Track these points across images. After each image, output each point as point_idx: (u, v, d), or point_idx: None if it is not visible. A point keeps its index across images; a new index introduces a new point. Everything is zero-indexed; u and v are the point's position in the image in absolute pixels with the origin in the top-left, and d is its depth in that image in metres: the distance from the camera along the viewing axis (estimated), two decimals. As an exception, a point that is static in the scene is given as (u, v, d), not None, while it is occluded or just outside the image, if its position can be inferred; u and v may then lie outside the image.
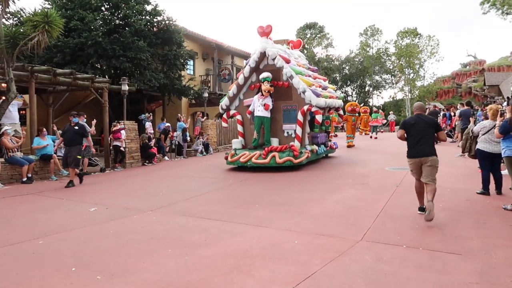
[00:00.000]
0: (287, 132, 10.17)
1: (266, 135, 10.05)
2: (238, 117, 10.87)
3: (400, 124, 5.46)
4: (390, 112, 31.13)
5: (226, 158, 10.25)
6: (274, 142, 10.07)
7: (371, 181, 7.66)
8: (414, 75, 44.39)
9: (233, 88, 10.87)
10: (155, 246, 4.12)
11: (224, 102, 11.03)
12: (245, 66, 10.78)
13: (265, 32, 10.39)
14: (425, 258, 3.57)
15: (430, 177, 4.99)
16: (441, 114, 17.99)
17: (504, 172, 6.31)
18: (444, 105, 27.56)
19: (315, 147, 10.49)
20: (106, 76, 14.76)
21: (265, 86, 9.73)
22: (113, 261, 3.71)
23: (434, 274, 3.22)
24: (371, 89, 51.36)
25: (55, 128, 11.58)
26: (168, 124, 15.80)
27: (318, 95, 9.69)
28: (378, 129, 21.67)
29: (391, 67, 48.64)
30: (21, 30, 9.42)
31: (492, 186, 6.20)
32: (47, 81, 10.99)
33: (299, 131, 9.93)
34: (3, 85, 10.09)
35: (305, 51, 48.49)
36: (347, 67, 51.33)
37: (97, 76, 12.76)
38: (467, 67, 46.77)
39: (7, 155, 8.89)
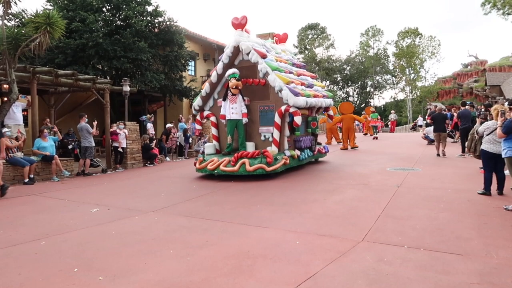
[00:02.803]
0: (264, 136, 9.24)
1: (240, 139, 9.09)
2: (212, 118, 9.82)
3: (431, 116, 12.12)
4: (391, 112, 31.09)
5: (195, 164, 9.33)
6: (250, 146, 9.09)
7: (372, 182, 7.66)
8: (415, 75, 44.38)
9: (205, 87, 9.84)
10: (157, 246, 4.14)
11: (197, 102, 9.98)
12: (218, 62, 9.80)
13: (240, 23, 9.34)
14: (426, 259, 3.57)
15: (443, 140, 11.46)
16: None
17: (507, 172, 6.32)
18: (446, 106, 27.52)
19: (296, 152, 9.37)
20: (107, 77, 14.83)
21: (232, 82, 8.81)
22: (115, 261, 3.72)
23: (435, 274, 3.22)
24: (372, 89, 51.35)
25: (56, 129, 11.62)
26: (170, 125, 15.84)
27: (296, 94, 8.69)
28: (376, 130, 21.84)
29: (391, 68, 48.65)
30: (23, 32, 9.47)
31: (493, 186, 6.20)
32: (49, 82, 11.04)
33: (276, 134, 8.94)
34: (5, 86, 10.14)
35: (307, 52, 48.52)
36: (348, 68, 51.33)
37: (98, 77, 12.80)
38: (469, 67, 46.71)
39: (7, 156, 8.90)
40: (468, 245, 3.92)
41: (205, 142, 15.49)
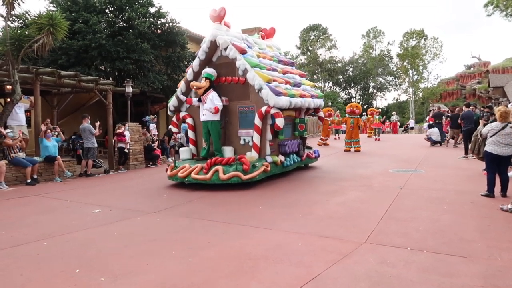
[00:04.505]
0: (244, 140, 8.42)
1: (215, 143, 8.26)
2: (189, 120, 8.96)
3: (450, 116, 14.80)
4: (393, 113, 31.06)
5: (167, 171, 8.52)
6: (228, 151, 8.29)
7: (375, 183, 7.64)
8: (418, 76, 44.36)
9: (181, 86, 8.96)
10: (159, 247, 4.13)
11: (172, 102, 9.10)
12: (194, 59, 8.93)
13: (219, 16, 8.43)
14: (429, 261, 3.55)
15: (456, 135, 14.35)
16: (445, 115, 17.93)
17: (511, 174, 6.29)
18: (449, 107, 27.45)
19: (279, 158, 8.47)
20: (110, 78, 14.86)
21: (192, 82, 8.23)
22: (117, 262, 3.72)
23: (438, 276, 3.20)
24: (374, 91, 51.33)
25: (58, 130, 11.65)
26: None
27: (278, 94, 7.84)
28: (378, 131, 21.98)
29: (394, 69, 48.66)
30: (26, 33, 9.51)
31: (497, 188, 6.17)
32: (52, 83, 11.08)
33: (256, 138, 8.05)
34: (8, 87, 10.18)
35: (309, 53, 48.52)
36: (350, 69, 51.36)
37: (101, 78, 12.83)
38: (471, 68, 46.60)
39: (9, 157, 8.92)
40: (471, 247, 3.90)
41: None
